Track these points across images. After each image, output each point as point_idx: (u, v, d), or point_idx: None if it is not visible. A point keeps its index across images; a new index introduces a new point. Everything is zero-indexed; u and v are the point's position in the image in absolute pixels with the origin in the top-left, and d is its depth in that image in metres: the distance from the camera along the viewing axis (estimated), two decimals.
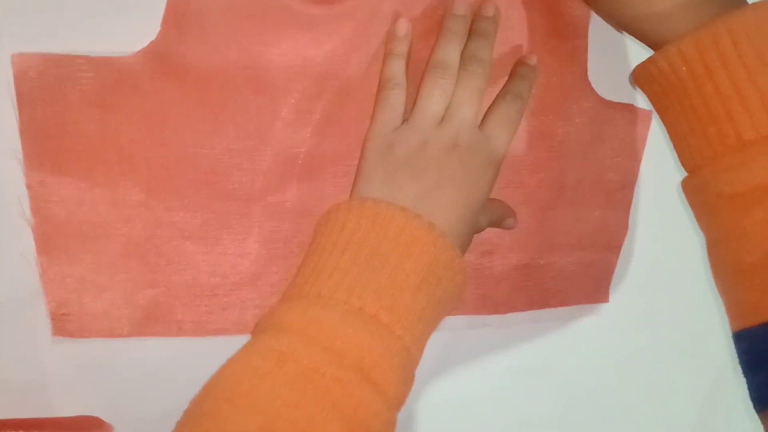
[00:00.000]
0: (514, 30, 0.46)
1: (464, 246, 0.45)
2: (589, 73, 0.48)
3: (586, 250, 0.50)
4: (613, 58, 0.49)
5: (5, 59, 0.40)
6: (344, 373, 0.37)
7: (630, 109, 0.50)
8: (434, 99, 0.44)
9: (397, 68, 0.45)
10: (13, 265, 0.42)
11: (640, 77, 0.43)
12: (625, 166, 0.50)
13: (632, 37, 0.43)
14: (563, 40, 0.47)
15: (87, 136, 0.42)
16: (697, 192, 0.43)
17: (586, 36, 0.48)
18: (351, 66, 0.45)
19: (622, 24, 0.43)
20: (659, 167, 0.50)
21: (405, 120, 0.44)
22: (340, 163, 0.46)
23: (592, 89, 0.49)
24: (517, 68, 0.47)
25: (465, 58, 0.45)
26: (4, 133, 0.41)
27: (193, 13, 0.42)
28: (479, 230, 0.47)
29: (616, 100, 0.49)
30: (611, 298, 0.52)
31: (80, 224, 0.42)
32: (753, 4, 0.39)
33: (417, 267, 0.40)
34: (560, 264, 0.49)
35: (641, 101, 0.50)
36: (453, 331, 0.49)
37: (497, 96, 0.46)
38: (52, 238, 0.42)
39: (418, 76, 0.45)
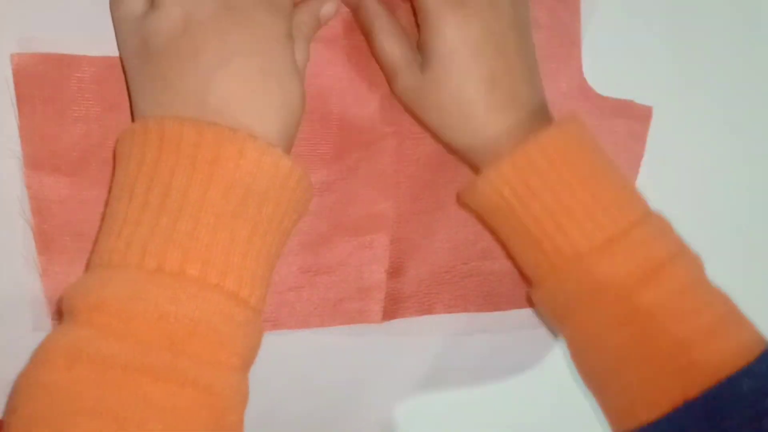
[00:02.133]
0: None
1: (289, 130, 0.37)
2: (585, 69, 0.49)
3: None
4: (611, 54, 0.49)
5: (5, 59, 0.40)
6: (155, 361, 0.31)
7: (629, 105, 0.50)
8: None
9: None
10: (13, 265, 0.42)
11: (467, 199, 0.44)
12: (624, 164, 0.50)
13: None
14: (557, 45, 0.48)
15: (87, 135, 0.42)
16: (547, 302, 0.43)
17: (578, 36, 0.48)
18: (350, 64, 0.45)
19: (455, 152, 0.44)
20: (659, 167, 0.50)
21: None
22: (341, 161, 0.46)
23: (589, 86, 0.49)
24: None
25: None
26: (4, 133, 0.41)
27: None
28: (303, 65, 0.40)
29: (614, 96, 0.49)
30: None
31: (80, 224, 0.42)
32: (559, 122, 0.41)
33: (227, 192, 0.33)
34: None
35: (640, 97, 0.50)
36: (451, 335, 0.48)
37: None
38: (52, 238, 0.42)
39: None
